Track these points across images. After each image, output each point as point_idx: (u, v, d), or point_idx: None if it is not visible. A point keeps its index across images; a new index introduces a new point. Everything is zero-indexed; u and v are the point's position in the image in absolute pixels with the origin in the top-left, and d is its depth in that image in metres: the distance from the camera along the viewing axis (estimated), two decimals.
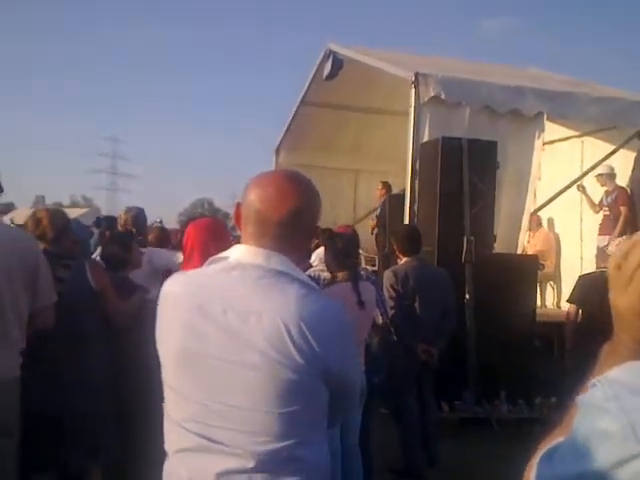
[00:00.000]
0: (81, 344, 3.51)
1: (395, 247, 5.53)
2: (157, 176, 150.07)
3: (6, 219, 11.68)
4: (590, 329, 5.34)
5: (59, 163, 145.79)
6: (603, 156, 8.24)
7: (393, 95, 9.99)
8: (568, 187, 8.34)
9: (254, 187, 1.61)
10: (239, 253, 1.61)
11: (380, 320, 4.95)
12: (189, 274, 1.73)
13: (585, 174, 8.59)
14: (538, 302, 8.33)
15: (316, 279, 4.22)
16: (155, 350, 1.66)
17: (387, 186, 10.09)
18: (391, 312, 5.13)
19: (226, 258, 1.63)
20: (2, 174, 3.29)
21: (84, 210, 42.37)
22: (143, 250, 4.77)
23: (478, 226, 6.61)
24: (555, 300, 9.87)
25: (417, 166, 7.03)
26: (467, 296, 6.36)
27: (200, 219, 3.99)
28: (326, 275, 4.37)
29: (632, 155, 8.07)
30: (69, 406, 3.38)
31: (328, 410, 1.59)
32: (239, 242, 1.66)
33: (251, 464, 1.48)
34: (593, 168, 8.42)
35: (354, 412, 3.75)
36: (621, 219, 8.10)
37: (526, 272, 6.88)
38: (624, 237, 7.98)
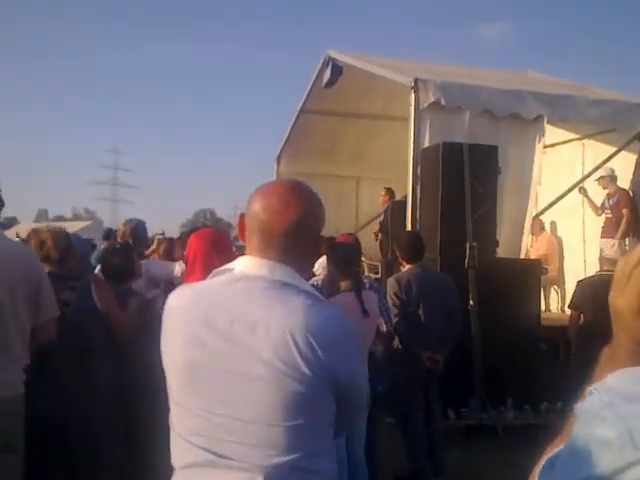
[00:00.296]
0: (85, 356, 3.50)
1: (398, 254, 5.52)
2: (158, 187, 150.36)
3: (10, 233, 11.70)
4: (591, 332, 5.36)
5: (60, 176, 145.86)
6: (604, 159, 8.21)
7: (393, 101, 10.01)
8: (570, 190, 8.33)
9: (258, 198, 1.62)
10: (244, 265, 1.61)
11: (384, 328, 4.96)
12: (193, 287, 1.73)
13: (586, 177, 8.57)
14: (542, 306, 8.32)
15: (318, 288, 4.22)
16: (160, 358, 1.66)
17: (390, 192, 10.10)
18: (395, 320, 5.13)
19: (231, 270, 1.63)
20: (3, 188, 3.28)
21: (87, 223, 42.44)
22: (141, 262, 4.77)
23: (480, 231, 6.60)
24: (559, 304, 9.84)
25: (418, 172, 7.03)
26: (471, 302, 6.34)
27: (202, 230, 4.00)
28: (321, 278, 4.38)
29: (633, 157, 8.06)
30: (74, 417, 3.37)
31: (335, 419, 1.59)
32: (242, 253, 1.66)
33: (259, 478, 1.47)
34: (594, 171, 8.40)
35: (360, 420, 3.74)
36: (624, 221, 8.08)
37: (530, 276, 6.87)
38: (627, 239, 8.01)
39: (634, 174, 8.16)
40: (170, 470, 1.63)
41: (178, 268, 5.13)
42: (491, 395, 6.32)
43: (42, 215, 72.65)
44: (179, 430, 1.59)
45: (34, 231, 4.12)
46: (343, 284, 4.17)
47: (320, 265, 5.05)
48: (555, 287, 9.89)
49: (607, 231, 8.31)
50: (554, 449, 1.05)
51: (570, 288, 8.83)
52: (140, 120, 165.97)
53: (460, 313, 5.51)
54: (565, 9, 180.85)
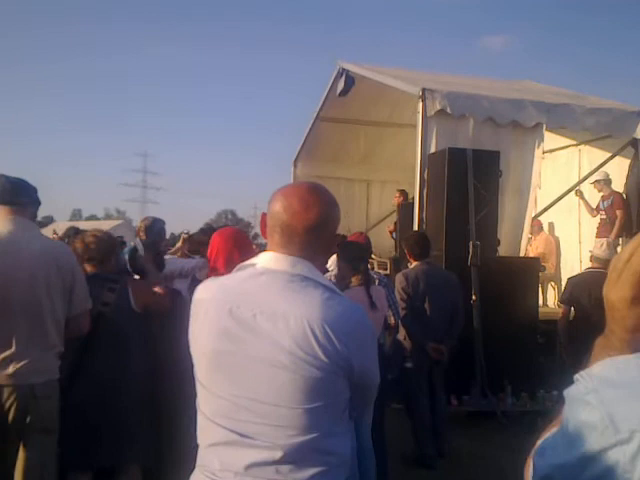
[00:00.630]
0: (119, 346, 3.50)
1: (406, 252, 5.53)
2: (184, 189, 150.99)
3: (47, 231, 11.80)
4: (582, 324, 5.36)
5: (94, 178, 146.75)
6: (599, 163, 8.21)
7: (400, 109, 10.02)
8: (567, 193, 8.34)
9: (279, 198, 1.63)
10: (266, 260, 1.62)
11: (392, 321, 4.96)
12: (219, 280, 1.73)
13: (583, 180, 8.59)
14: (540, 301, 8.30)
15: (332, 282, 4.22)
16: (187, 344, 1.67)
17: (404, 194, 10.07)
18: (402, 313, 5.14)
19: (254, 265, 1.64)
20: (40, 189, 3.33)
21: (118, 222, 42.74)
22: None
23: (483, 231, 6.61)
24: (556, 299, 9.79)
25: (425, 175, 7.04)
26: (474, 297, 6.34)
27: (224, 228, 4.03)
28: (334, 274, 4.39)
29: (627, 162, 8.02)
30: (107, 404, 3.38)
31: (349, 404, 1.60)
32: (261, 250, 1.67)
33: (278, 456, 1.49)
34: (590, 175, 8.40)
35: (369, 410, 3.73)
36: (617, 222, 8.05)
37: (529, 273, 6.86)
38: (620, 239, 7.97)
39: (628, 178, 8.11)
40: (195, 450, 1.65)
41: (192, 262, 5.10)
42: (491, 383, 6.32)
43: (76, 215, 73.23)
44: (204, 410, 1.61)
45: (81, 232, 4.13)
46: (353, 279, 4.20)
47: (333, 262, 5.06)
48: (552, 283, 9.84)
49: (602, 231, 8.26)
50: (547, 433, 1.07)
51: None
52: (168, 125, 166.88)
53: (463, 307, 5.52)
54: (562, 22, 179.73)
